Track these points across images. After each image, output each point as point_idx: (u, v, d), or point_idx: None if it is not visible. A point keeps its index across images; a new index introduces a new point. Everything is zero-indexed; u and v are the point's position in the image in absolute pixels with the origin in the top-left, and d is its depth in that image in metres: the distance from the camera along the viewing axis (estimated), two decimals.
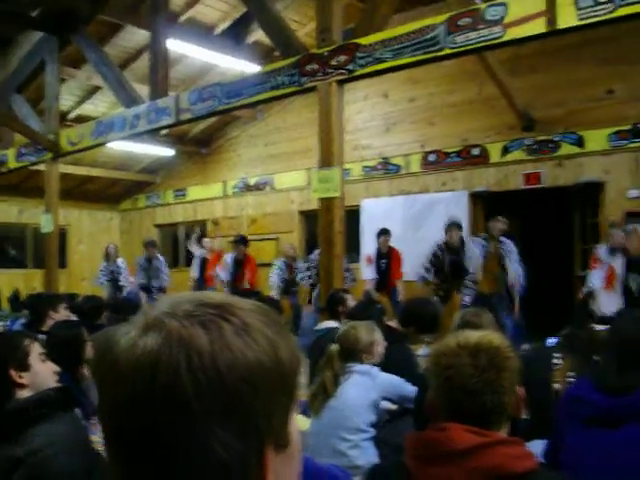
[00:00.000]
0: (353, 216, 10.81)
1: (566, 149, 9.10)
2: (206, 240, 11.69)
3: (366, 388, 3.22)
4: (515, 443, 1.44)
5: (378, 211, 10.48)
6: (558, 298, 9.30)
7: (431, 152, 10.35)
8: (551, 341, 3.91)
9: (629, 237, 6.63)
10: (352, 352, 3.32)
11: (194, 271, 11.39)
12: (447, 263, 8.45)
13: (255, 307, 0.76)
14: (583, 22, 4.57)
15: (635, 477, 2.11)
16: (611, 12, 4.47)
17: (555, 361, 3.51)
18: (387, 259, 9.46)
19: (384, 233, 9.46)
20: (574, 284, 8.92)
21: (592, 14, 4.53)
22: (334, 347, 3.39)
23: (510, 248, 7.99)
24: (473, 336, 1.56)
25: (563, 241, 9.87)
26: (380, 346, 3.45)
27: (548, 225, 10.37)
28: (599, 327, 3.31)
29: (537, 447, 2.82)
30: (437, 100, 10.31)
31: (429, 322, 4.06)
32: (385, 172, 10.91)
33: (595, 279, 7.13)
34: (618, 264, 6.48)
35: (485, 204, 10.00)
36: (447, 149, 10.17)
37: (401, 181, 10.73)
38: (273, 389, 0.71)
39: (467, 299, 7.90)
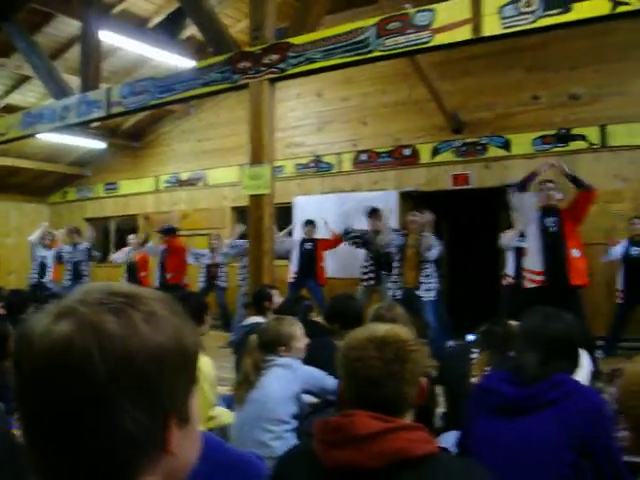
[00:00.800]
0: (285, 213, 10.88)
1: (493, 152, 9.37)
2: (131, 237, 11.48)
3: (287, 380, 3.29)
4: (417, 428, 1.53)
5: (310, 208, 10.57)
6: (484, 296, 9.55)
7: (363, 151, 10.50)
8: (470, 337, 4.05)
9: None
10: (270, 345, 3.39)
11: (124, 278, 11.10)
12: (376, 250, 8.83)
13: (161, 297, 0.83)
14: (507, 31, 4.75)
15: (536, 464, 2.24)
16: (533, 22, 4.66)
17: (473, 356, 3.66)
18: (313, 242, 9.69)
19: (309, 223, 9.81)
20: (500, 282, 9.16)
21: (515, 23, 4.71)
22: (253, 338, 3.47)
23: (431, 241, 8.01)
24: (381, 329, 1.65)
25: (489, 241, 10.13)
26: (300, 342, 3.52)
27: (475, 225, 10.63)
28: (514, 323, 3.45)
29: (452, 437, 2.95)
30: (370, 100, 10.45)
31: (353, 318, 4.15)
32: (317, 170, 11.02)
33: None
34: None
35: (415, 204, 10.19)
36: (379, 149, 10.33)
37: (333, 179, 10.85)
38: (177, 370, 0.79)
39: (398, 292, 8.03)
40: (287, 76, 5.92)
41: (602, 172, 8.62)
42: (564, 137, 8.87)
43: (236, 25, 9.95)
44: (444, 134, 9.71)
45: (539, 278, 6.40)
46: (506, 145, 9.26)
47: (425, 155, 9.91)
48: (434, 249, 7.94)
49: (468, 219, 10.57)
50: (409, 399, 1.60)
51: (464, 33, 4.87)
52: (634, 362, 1.51)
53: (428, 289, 7.90)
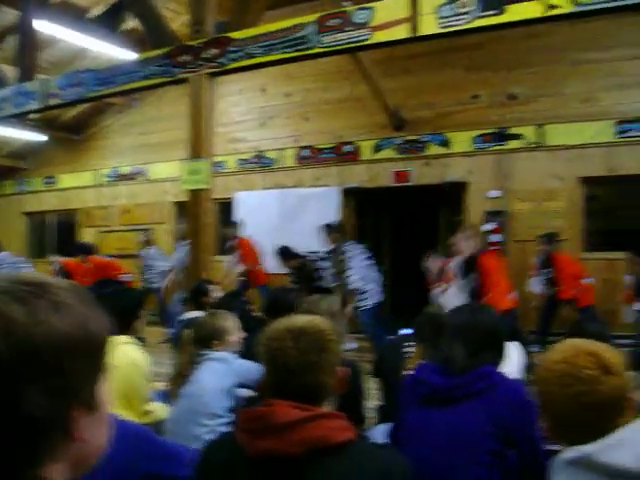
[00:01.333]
0: (227, 208, 10.86)
1: (433, 149, 9.51)
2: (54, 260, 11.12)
3: (222, 374, 3.29)
4: (336, 417, 1.56)
5: (252, 204, 10.55)
6: (426, 291, 9.66)
7: (305, 147, 10.54)
8: (404, 331, 4.12)
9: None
10: (204, 339, 3.39)
11: None
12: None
13: (70, 286, 0.84)
14: (444, 30, 4.84)
15: (462, 453, 2.30)
16: (469, 22, 4.76)
17: (408, 350, 3.72)
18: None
19: (233, 225, 9.57)
20: None
21: (452, 23, 4.80)
22: (188, 333, 3.46)
23: (352, 253, 7.93)
24: (299, 320, 1.68)
25: (430, 236, 10.27)
26: (234, 336, 3.52)
27: (416, 221, 10.76)
28: (443, 314, 3.54)
29: (385, 429, 3.01)
30: (312, 96, 10.48)
31: (287, 310, 4.14)
32: (260, 165, 11.00)
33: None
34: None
35: (357, 200, 10.29)
36: (321, 145, 10.38)
37: (275, 175, 10.85)
38: (84, 358, 0.80)
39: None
40: (227, 71, 5.91)
41: (539, 171, 8.86)
42: (502, 136, 9.06)
43: (178, 19, 9.85)
44: (385, 131, 9.80)
45: None
46: (446, 143, 9.40)
47: (366, 152, 9.99)
48: (351, 265, 7.88)
49: (409, 215, 10.70)
50: (328, 388, 1.63)
51: (402, 32, 4.94)
52: (551, 351, 1.57)
53: (362, 299, 7.85)
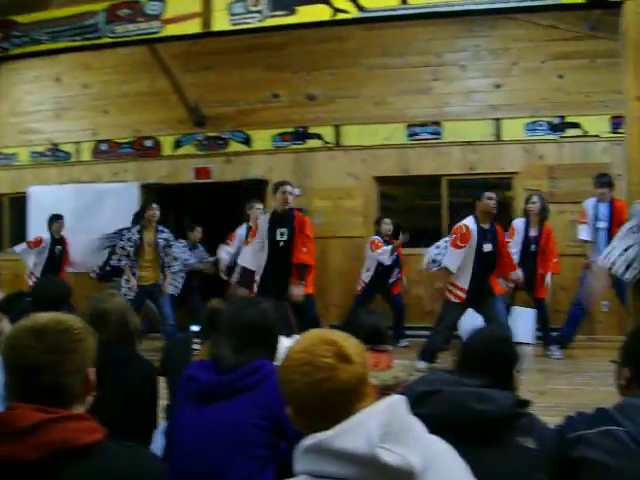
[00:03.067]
0: (20, 204, 10.28)
1: (235, 147, 9.57)
2: None
3: None
4: (83, 418, 1.50)
5: (47, 199, 9.99)
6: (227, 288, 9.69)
7: (103, 141, 10.18)
8: (194, 328, 4.09)
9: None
10: None
11: None
12: None
13: None
14: (235, 27, 4.89)
15: (233, 448, 2.32)
16: (260, 21, 4.83)
17: (195, 347, 3.70)
18: (62, 245, 9.12)
19: (57, 219, 9.10)
20: None
21: (243, 21, 4.85)
22: None
23: (168, 236, 7.98)
24: (42, 318, 1.59)
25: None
26: None
27: (218, 218, 10.73)
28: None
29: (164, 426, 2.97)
30: (111, 89, 10.11)
31: (56, 304, 3.90)
32: (55, 159, 10.46)
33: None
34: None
35: (157, 196, 10.08)
36: (119, 139, 10.09)
37: (72, 169, 10.36)
38: None
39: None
40: (11, 56, 5.58)
41: (337, 170, 9.17)
42: (301, 135, 9.27)
43: None
44: (186, 127, 9.71)
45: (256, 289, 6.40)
46: (247, 140, 9.49)
47: (167, 147, 9.85)
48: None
49: (210, 212, 10.65)
50: (74, 390, 1.56)
51: (194, 26, 4.93)
52: (296, 341, 1.61)
53: (176, 286, 8.06)
